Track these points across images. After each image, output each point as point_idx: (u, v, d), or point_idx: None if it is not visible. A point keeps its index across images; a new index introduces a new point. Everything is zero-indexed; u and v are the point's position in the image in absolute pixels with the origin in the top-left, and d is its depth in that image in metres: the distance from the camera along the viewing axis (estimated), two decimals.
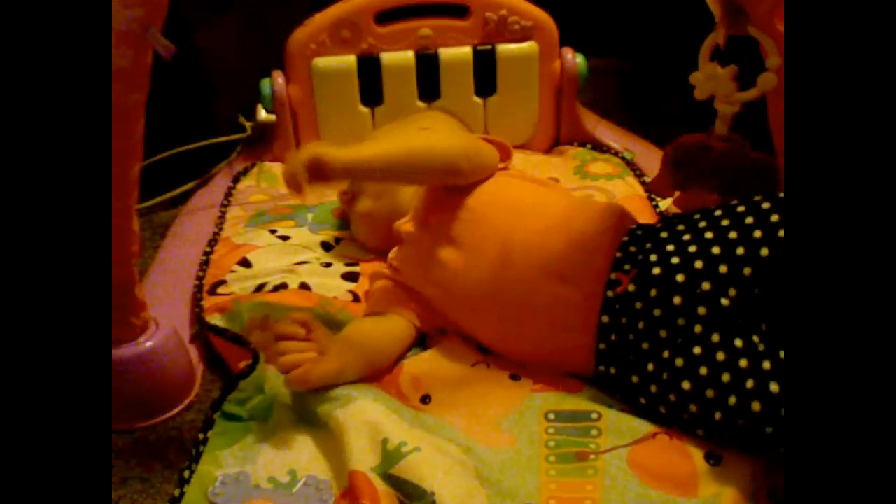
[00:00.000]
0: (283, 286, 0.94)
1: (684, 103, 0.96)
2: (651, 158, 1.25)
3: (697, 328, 0.70)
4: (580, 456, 0.70)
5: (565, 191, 1.10)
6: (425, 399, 0.79)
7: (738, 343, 0.68)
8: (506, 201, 0.86)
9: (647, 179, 1.22)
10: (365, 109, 1.30)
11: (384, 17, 1.28)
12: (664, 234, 0.76)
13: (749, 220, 0.71)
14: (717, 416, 0.68)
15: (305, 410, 0.77)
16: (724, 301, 0.69)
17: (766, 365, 0.66)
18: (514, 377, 0.81)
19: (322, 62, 1.27)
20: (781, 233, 0.68)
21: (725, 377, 0.67)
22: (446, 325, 0.87)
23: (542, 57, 1.32)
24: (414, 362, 0.84)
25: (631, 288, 0.74)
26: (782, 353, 0.66)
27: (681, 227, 0.76)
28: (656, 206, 1.15)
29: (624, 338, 0.74)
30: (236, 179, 1.28)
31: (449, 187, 0.87)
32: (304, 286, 0.95)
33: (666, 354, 0.71)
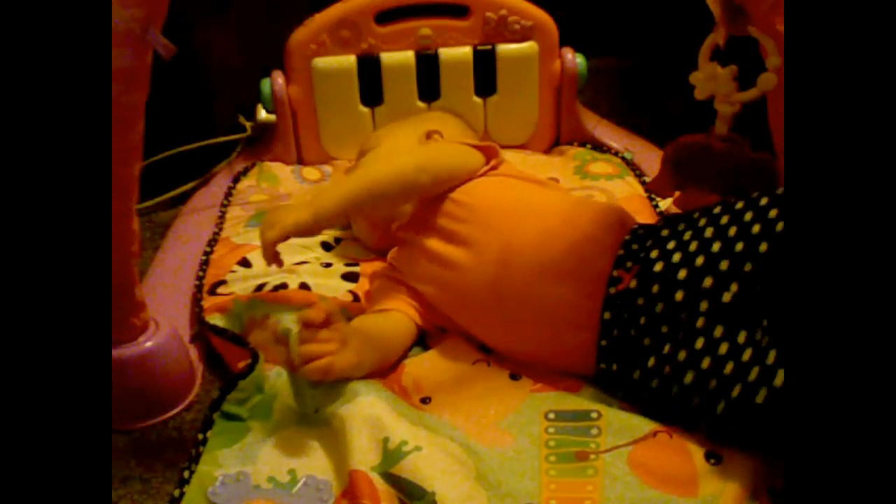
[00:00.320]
0: (283, 286, 0.94)
1: (684, 103, 0.96)
2: (651, 158, 1.25)
3: (699, 322, 0.70)
4: (580, 456, 0.70)
5: (564, 191, 1.10)
6: (426, 400, 0.79)
7: (741, 337, 0.68)
8: (504, 202, 0.86)
9: (647, 179, 1.22)
10: (365, 109, 1.30)
11: (384, 17, 1.28)
12: (665, 233, 0.77)
13: (748, 216, 0.72)
14: (720, 407, 0.68)
15: (306, 410, 0.77)
16: (726, 296, 0.70)
17: (770, 358, 0.66)
18: (514, 376, 0.81)
19: (322, 62, 1.27)
20: (780, 227, 0.69)
21: (728, 368, 0.67)
22: (446, 324, 0.87)
23: (542, 57, 1.31)
24: (415, 362, 0.84)
25: (633, 284, 0.74)
26: (783, 348, 0.66)
27: (681, 227, 0.76)
28: (656, 206, 1.15)
29: (626, 334, 0.74)
30: (236, 179, 1.28)
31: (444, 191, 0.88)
32: (304, 286, 0.95)
33: (667, 349, 0.71)
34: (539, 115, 1.36)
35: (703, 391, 0.69)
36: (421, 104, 1.31)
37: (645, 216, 1.08)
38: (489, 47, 1.30)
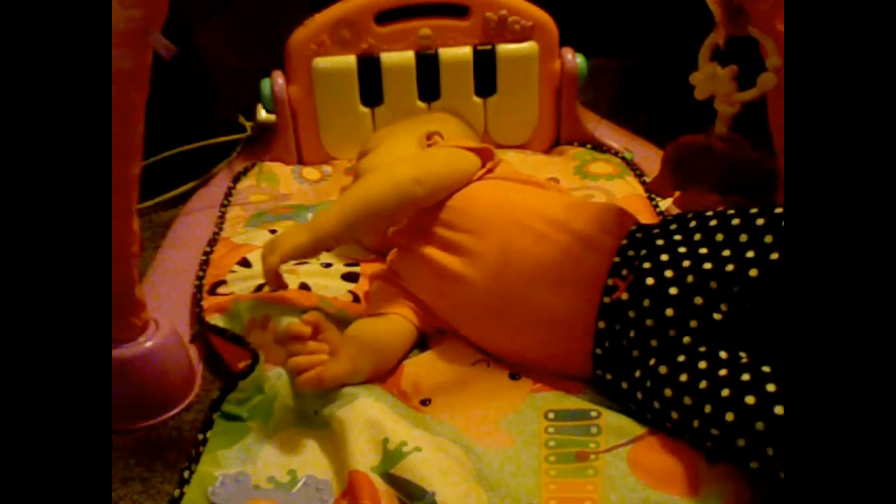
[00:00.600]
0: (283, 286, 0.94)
1: (684, 103, 0.96)
2: (651, 158, 1.25)
3: (686, 339, 0.71)
4: (580, 456, 0.70)
5: (563, 191, 1.10)
6: (425, 402, 0.79)
7: (723, 355, 0.68)
8: (499, 207, 0.86)
9: (647, 179, 1.22)
10: (365, 109, 1.30)
11: (384, 17, 1.28)
12: (660, 242, 0.77)
13: (743, 237, 0.72)
14: (695, 423, 0.67)
15: (306, 410, 0.77)
16: (717, 315, 0.70)
17: (746, 377, 0.65)
18: (513, 377, 0.81)
19: (322, 62, 1.27)
20: (774, 256, 0.69)
21: (703, 384, 0.67)
22: (446, 326, 0.87)
23: (542, 57, 1.32)
24: (414, 363, 0.84)
25: (624, 296, 0.75)
26: (766, 368, 0.65)
27: (677, 238, 0.76)
28: (656, 206, 1.15)
29: (617, 344, 0.75)
30: (236, 179, 1.28)
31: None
32: (303, 286, 0.95)
33: (652, 362, 0.72)
34: (539, 115, 1.36)
35: (679, 406, 0.69)
36: (421, 104, 1.31)
37: (645, 216, 1.08)
38: (489, 47, 1.30)
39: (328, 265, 1.02)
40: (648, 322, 0.73)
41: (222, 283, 0.98)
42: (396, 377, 0.82)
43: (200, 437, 0.75)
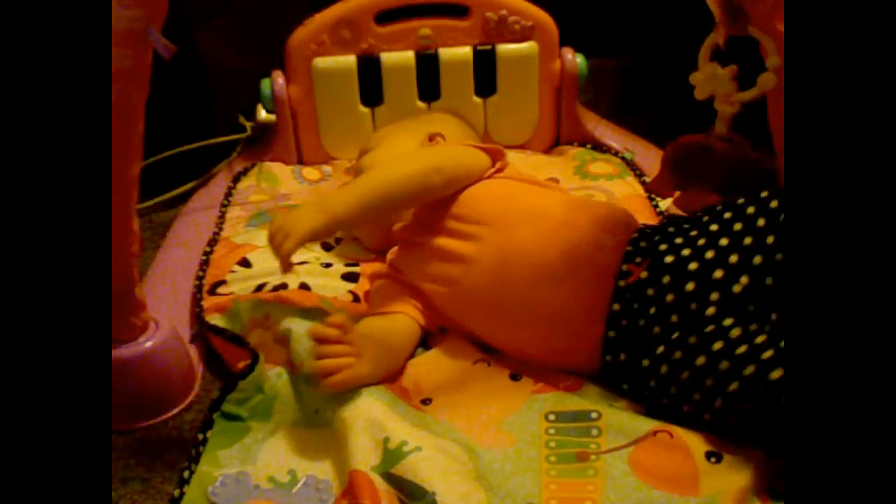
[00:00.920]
0: (283, 286, 0.94)
1: (684, 103, 0.96)
2: (651, 158, 1.25)
3: (710, 310, 0.71)
4: (581, 456, 0.70)
5: (565, 191, 1.10)
6: (426, 401, 0.79)
7: (752, 326, 0.69)
8: (504, 204, 0.86)
9: (647, 179, 1.22)
10: (365, 109, 1.30)
11: (384, 17, 1.28)
12: (671, 230, 0.78)
13: (750, 209, 0.74)
14: (733, 386, 0.68)
15: (306, 410, 0.77)
16: (737, 288, 0.71)
17: (782, 344, 0.66)
18: (514, 377, 0.81)
19: (322, 62, 1.27)
20: (783, 217, 0.70)
21: (741, 349, 0.68)
22: (448, 323, 0.87)
23: (542, 57, 1.32)
24: (416, 363, 0.83)
25: (643, 275, 0.75)
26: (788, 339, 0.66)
27: (686, 225, 0.78)
28: (656, 206, 1.15)
29: (634, 324, 0.75)
30: (236, 179, 1.28)
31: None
32: (303, 286, 0.95)
33: (676, 335, 0.72)
34: (539, 115, 1.36)
35: (715, 372, 0.69)
36: (421, 104, 1.31)
37: (645, 216, 1.08)
38: (489, 47, 1.30)
39: (328, 265, 1.02)
40: (669, 297, 0.73)
41: (222, 283, 0.98)
42: (399, 376, 0.82)
43: (200, 437, 0.75)
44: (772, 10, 0.83)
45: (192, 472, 0.72)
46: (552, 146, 1.39)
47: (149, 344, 0.81)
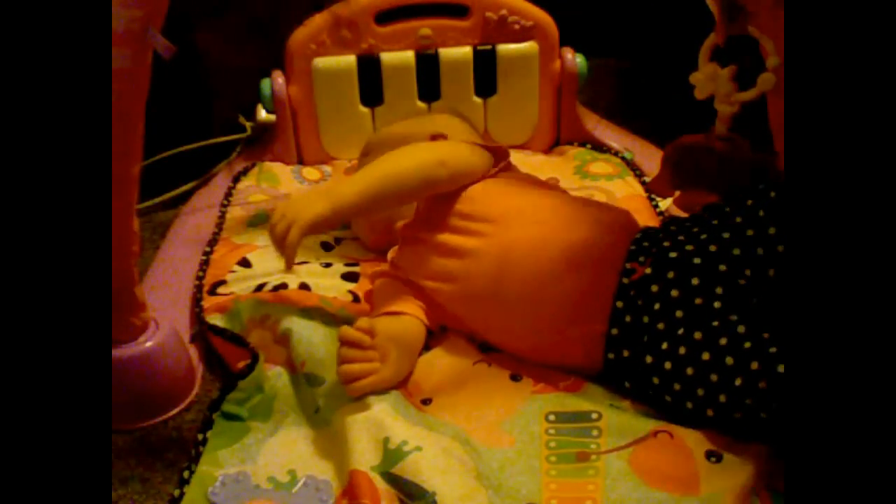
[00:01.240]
0: (283, 286, 0.94)
1: (684, 103, 0.96)
2: (651, 158, 1.25)
3: (716, 304, 0.71)
4: (581, 456, 0.70)
5: (565, 191, 1.10)
6: (426, 401, 0.79)
7: (757, 322, 0.69)
8: (507, 202, 0.87)
9: (647, 179, 1.22)
10: (365, 109, 1.30)
11: (384, 17, 1.28)
12: (673, 228, 0.79)
13: (749, 202, 0.74)
14: (738, 382, 0.68)
15: (306, 409, 0.77)
16: (741, 281, 0.71)
17: (773, 349, 0.66)
18: (514, 377, 0.81)
19: (322, 62, 1.27)
20: (782, 212, 0.71)
21: (746, 344, 0.68)
22: (449, 322, 0.87)
23: (542, 57, 1.32)
24: (417, 363, 0.84)
25: (648, 271, 0.76)
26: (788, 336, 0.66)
27: (688, 223, 0.79)
28: (656, 206, 1.15)
29: (638, 320, 0.75)
30: (236, 179, 1.28)
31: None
32: (303, 286, 0.95)
33: (681, 331, 0.72)
34: (539, 115, 1.36)
35: (720, 367, 0.69)
36: (421, 104, 1.31)
37: (645, 216, 1.08)
38: (489, 47, 1.30)
39: (328, 265, 1.02)
40: (674, 293, 0.73)
41: (222, 283, 0.98)
42: None
43: (200, 436, 0.75)
44: (772, 10, 0.83)
45: (192, 472, 0.72)
46: (552, 146, 1.39)
47: (149, 344, 0.81)
